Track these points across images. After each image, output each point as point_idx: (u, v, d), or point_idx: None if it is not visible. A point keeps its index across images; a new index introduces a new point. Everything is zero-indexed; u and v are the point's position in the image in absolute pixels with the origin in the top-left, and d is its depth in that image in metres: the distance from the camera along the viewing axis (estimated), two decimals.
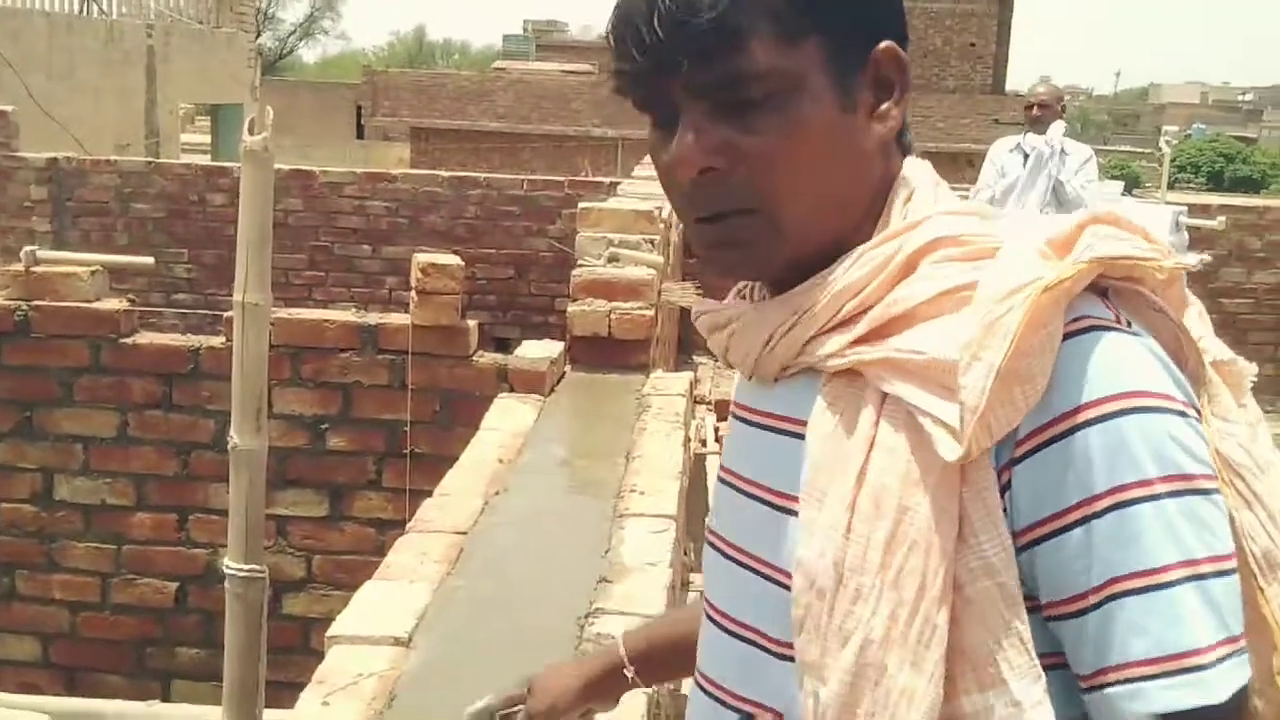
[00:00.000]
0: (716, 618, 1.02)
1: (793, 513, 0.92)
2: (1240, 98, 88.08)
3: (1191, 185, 44.97)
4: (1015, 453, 0.85)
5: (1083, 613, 0.83)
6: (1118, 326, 0.86)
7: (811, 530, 0.89)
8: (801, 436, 0.93)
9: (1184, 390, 0.87)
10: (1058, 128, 6.77)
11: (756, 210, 0.93)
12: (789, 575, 0.91)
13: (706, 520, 1.10)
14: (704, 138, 0.92)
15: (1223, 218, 9.22)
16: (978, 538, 0.84)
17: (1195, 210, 9.38)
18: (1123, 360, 0.85)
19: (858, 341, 0.90)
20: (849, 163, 0.95)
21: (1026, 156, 6.71)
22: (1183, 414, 0.84)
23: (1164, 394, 0.84)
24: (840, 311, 0.92)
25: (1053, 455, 0.83)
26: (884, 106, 0.96)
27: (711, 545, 1.05)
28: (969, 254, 0.90)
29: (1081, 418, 0.83)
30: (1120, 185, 11.17)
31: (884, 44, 0.95)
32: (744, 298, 1.05)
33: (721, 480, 1.06)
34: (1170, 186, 12.42)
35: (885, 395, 0.89)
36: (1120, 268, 0.88)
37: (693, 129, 0.92)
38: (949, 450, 0.84)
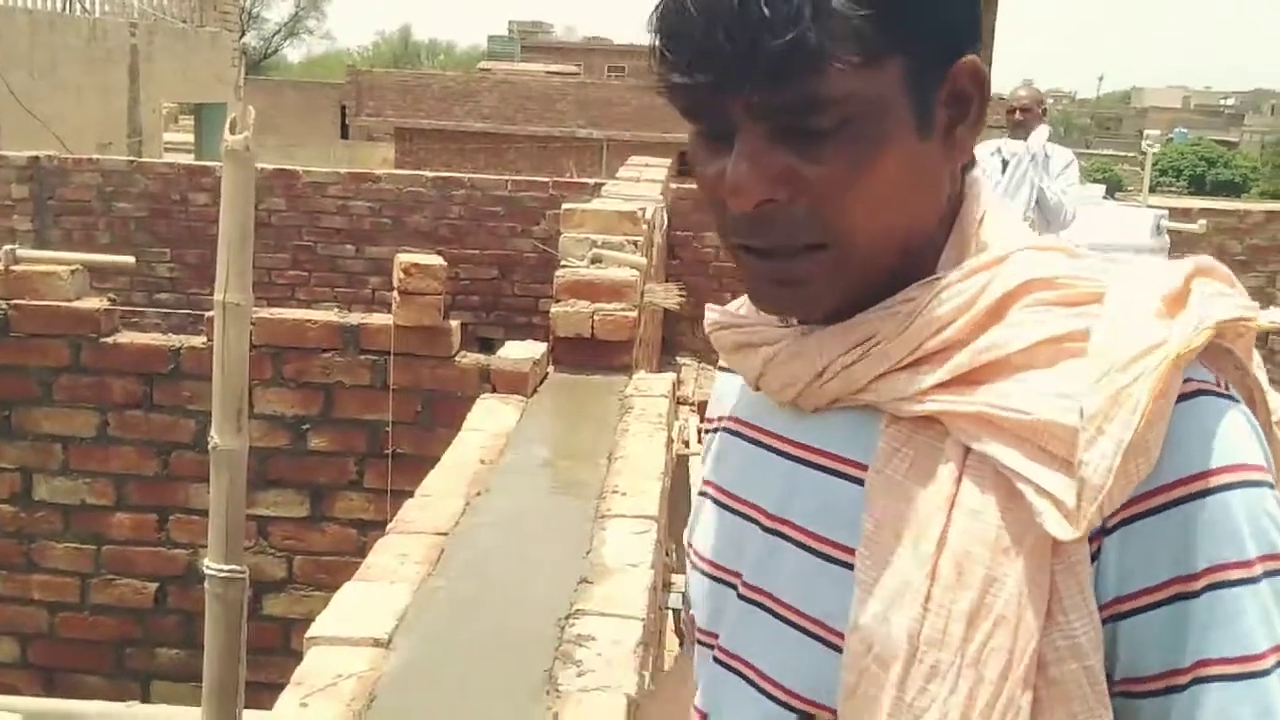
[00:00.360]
0: (727, 660, 0.94)
1: (839, 563, 0.85)
2: (1222, 102, 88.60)
3: (1173, 189, 45.23)
4: (1109, 522, 0.79)
5: (1167, 693, 0.79)
6: (1220, 391, 0.81)
7: (873, 592, 0.82)
8: (849, 478, 0.86)
9: (1269, 460, 0.82)
10: (1040, 133, 6.75)
11: (824, 246, 0.84)
12: (829, 630, 0.85)
13: (694, 543, 1.01)
14: (764, 165, 0.82)
15: (1203, 221, 9.30)
16: (1067, 616, 0.78)
17: (1176, 214, 9.46)
18: (1227, 430, 0.79)
19: (941, 387, 0.82)
20: (923, 191, 0.86)
21: (1006, 163, 6.71)
22: (1273, 487, 0.80)
23: (1261, 466, 0.80)
24: (918, 349, 0.84)
25: (1150, 527, 0.78)
26: (960, 128, 0.87)
27: (713, 578, 0.96)
28: (1065, 299, 0.83)
29: (1185, 490, 0.77)
30: (1102, 189, 11.23)
31: (966, 58, 0.86)
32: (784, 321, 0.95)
33: (723, 505, 0.97)
34: (1152, 190, 12.51)
35: (969, 450, 0.81)
36: (1230, 330, 0.82)
37: (751, 155, 0.82)
38: (1059, 528, 0.76)
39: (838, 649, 0.84)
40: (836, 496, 0.87)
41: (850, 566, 0.84)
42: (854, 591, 0.83)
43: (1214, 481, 0.78)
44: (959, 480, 0.81)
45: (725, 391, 1.05)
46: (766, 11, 0.77)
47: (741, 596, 0.93)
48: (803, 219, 0.83)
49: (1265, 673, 0.77)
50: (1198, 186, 47.86)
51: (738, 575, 0.94)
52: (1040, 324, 0.81)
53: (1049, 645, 0.78)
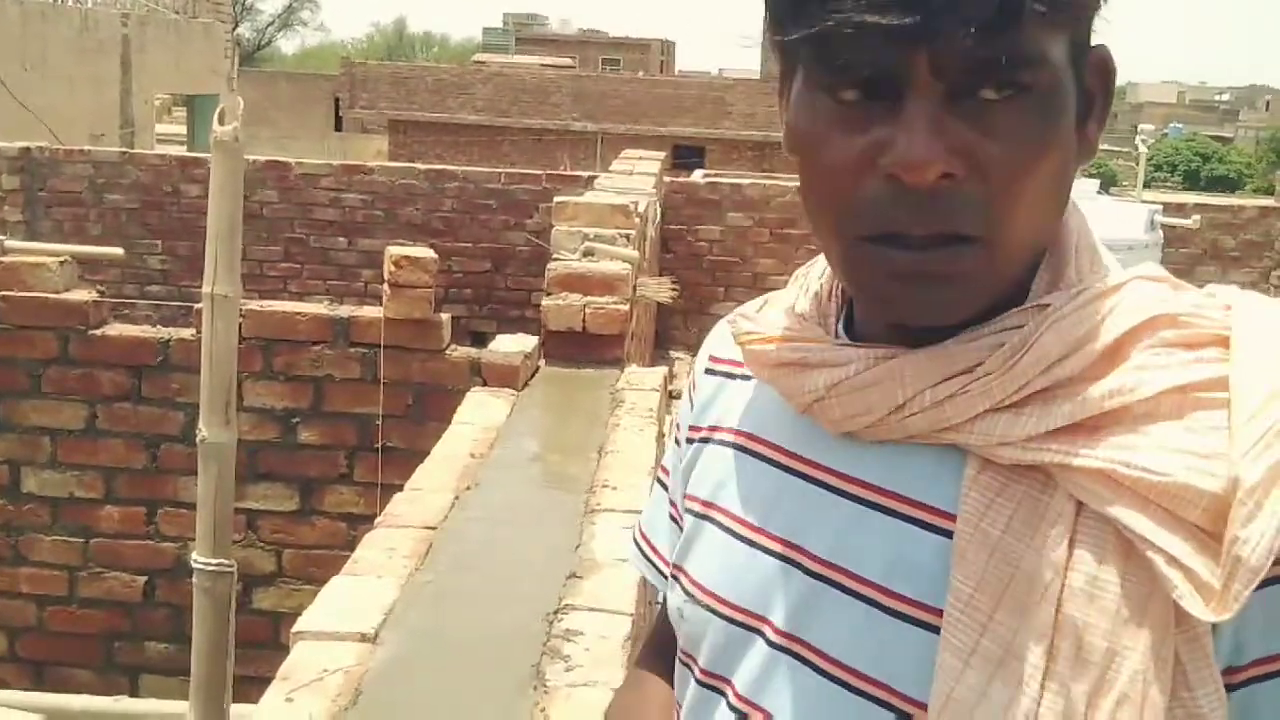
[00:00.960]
0: (745, 709, 0.84)
1: (914, 622, 0.76)
2: (1217, 97, 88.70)
3: (1168, 184, 45.29)
4: None
5: None
6: None
7: (969, 661, 0.72)
8: (928, 526, 0.77)
9: None
10: None
11: (979, 239, 0.73)
12: (893, 693, 0.76)
13: (691, 571, 0.89)
14: (948, 134, 0.71)
15: (1197, 216, 9.29)
16: (1192, 690, 0.70)
17: (1170, 209, 9.45)
18: None
19: (1053, 434, 0.73)
20: (1066, 190, 0.78)
21: None
22: None
23: None
24: (1025, 387, 0.74)
25: (1269, 596, 0.70)
26: (1090, 124, 0.78)
27: (727, 619, 0.85)
28: (1187, 339, 0.74)
29: None
30: (1095, 184, 11.23)
31: (1099, 48, 0.78)
32: (824, 326, 0.84)
33: (740, 537, 0.86)
34: (1147, 185, 12.52)
35: (1081, 505, 0.72)
36: None
37: (933, 121, 0.71)
38: (1198, 608, 0.68)
39: (899, 712, 0.76)
40: (911, 547, 0.77)
41: (928, 626, 0.75)
42: (940, 657, 0.73)
43: None
44: (1073, 541, 0.72)
45: (720, 400, 0.93)
46: None
47: (771, 644, 0.82)
48: (970, 203, 0.72)
49: None
50: (1193, 182, 47.94)
51: (764, 620, 0.83)
52: (1165, 368, 0.73)
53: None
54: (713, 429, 0.92)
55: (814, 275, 0.88)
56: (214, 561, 3.35)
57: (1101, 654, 0.70)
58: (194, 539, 3.55)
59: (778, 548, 0.83)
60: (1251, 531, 0.67)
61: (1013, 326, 0.76)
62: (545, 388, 4.14)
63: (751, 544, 0.85)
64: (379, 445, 4.32)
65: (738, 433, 0.89)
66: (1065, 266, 0.79)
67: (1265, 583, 0.69)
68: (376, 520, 2.93)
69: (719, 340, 0.96)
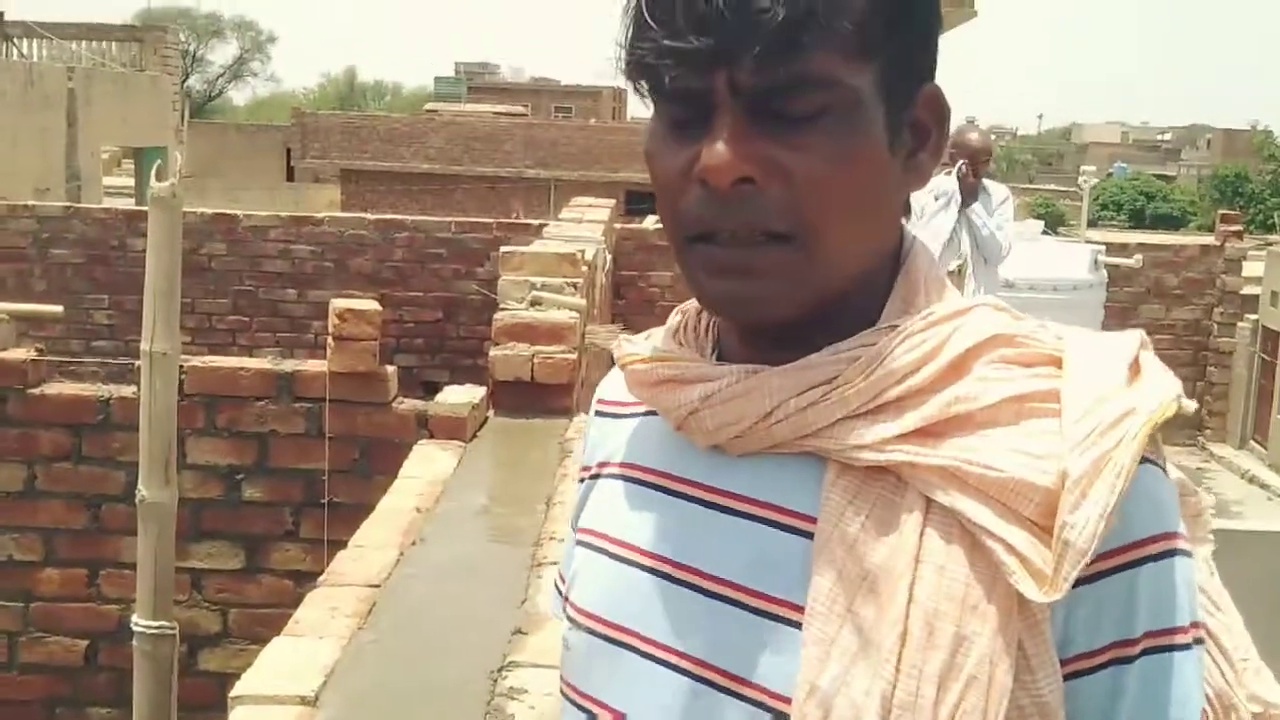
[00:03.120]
0: None
1: (780, 620, 0.80)
2: (1159, 137, 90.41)
3: (1114, 223, 46.01)
4: None
5: None
6: (1156, 461, 0.81)
7: (830, 653, 0.78)
8: (789, 529, 0.82)
9: None
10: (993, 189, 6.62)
11: (791, 238, 0.81)
12: (764, 691, 0.80)
13: (573, 598, 0.93)
14: (745, 144, 0.79)
15: (1139, 256, 9.44)
16: (1034, 674, 0.76)
17: (1113, 249, 9.60)
18: (1166, 499, 0.80)
19: (903, 437, 0.79)
20: (886, 207, 0.85)
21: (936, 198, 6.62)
22: (1192, 555, 0.82)
23: (1185, 535, 0.81)
24: (879, 396, 0.80)
25: (1098, 591, 0.77)
26: (920, 155, 0.86)
27: (603, 636, 0.88)
28: (1024, 358, 0.82)
29: (1131, 556, 0.77)
30: (1040, 224, 11.39)
31: (930, 86, 0.86)
32: (700, 354, 0.90)
33: (615, 557, 0.90)
34: (1092, 224, 12.72)
35: (930, 503, 0.78)
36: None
37: (733, 131, 0.79)
38: (1031, 590, 0.74)
39: (770, 710, 0.79)
40: (775, 549, 0.82)
41: (793, 624, 0.79)
42: (803, 650, 0.78)
43: (1158, 548, 0.78)
44: (922, 534, 0.78)
45: (606, 438, 0.97)
46: None
47: (643, 655, 0.86)
48: (776, 204, 0.80)
49: None
50: (1138, 220, 48.74)
51: (633, 633, 0.87)
52: (1004, 381, 0.80)
53: (1013, 705, 0.76)
54: (601, 465, 0.96)
55: (690, 308, 0.94)
56: (155, 624, 3.29)
57: (950, 638, 0.76)
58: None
59: (646, 560, 0.88)
60: (1078, 517, 0.74)
61: (868, 344, 0.82)
62: (493, 439, 4.11)
63: (623, 560, 0.89)
64: (325, 501, 4.27)
65: (620, 464, 0.94)
66: (915, 295, 0.86)
67: (1091, 578, 0.76)
68: (319, 579, 2.89)
69: (607, 384, 1.01)
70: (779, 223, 0.80)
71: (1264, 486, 10.31)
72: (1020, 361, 0.81)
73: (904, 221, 0.90)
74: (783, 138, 0.79)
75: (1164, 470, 0.81)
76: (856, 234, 0.83)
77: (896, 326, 0.83)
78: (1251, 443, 11.45)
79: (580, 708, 0.89)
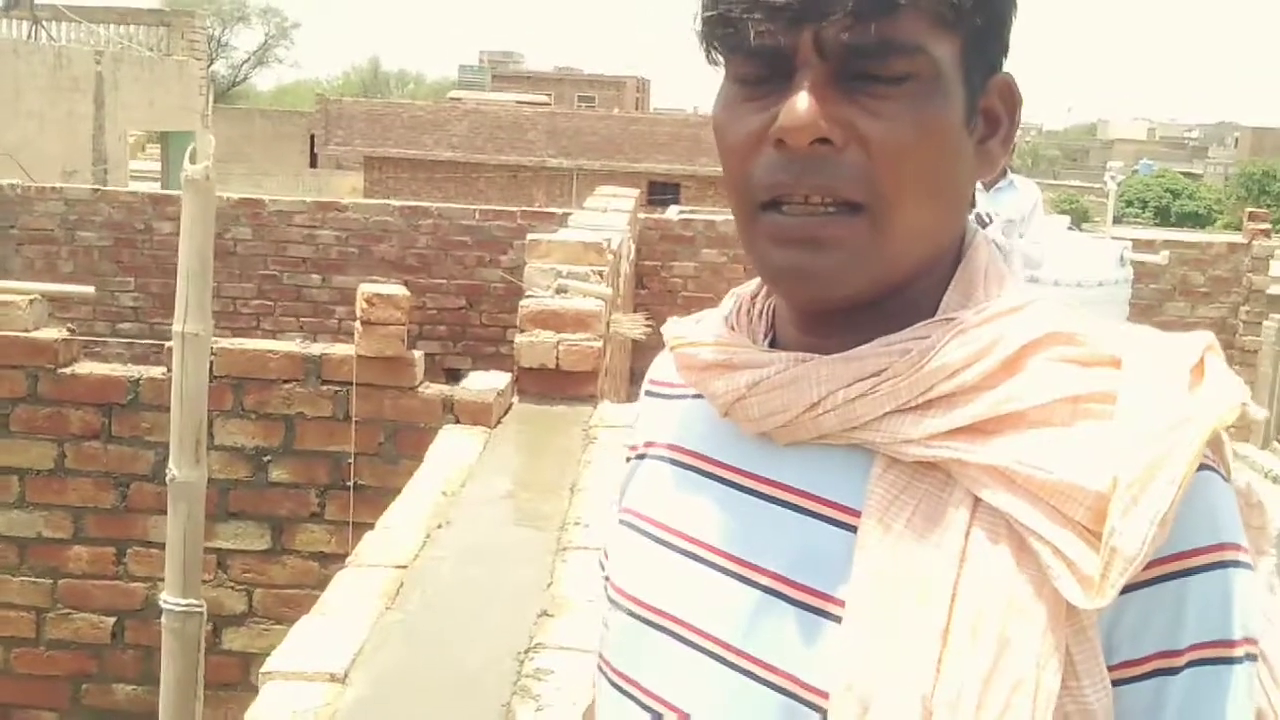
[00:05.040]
0: (652, 703, 0.86)
1: (820, 613, 0.79)
2: (1186, 134, 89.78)
3: (1139, 220, 45.75)
4: None
5: None
6: (1216, 468, 0.79)
7: (869, 649, 0.76)
8: (834, 522, 0.81)
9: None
10: (1019, 188, 6.41)
11: (864, 208, 0.79)
12: (799, 683, 0.79)
13: (614, 577, 0.93)
14: (826, 104, 0.77)
15: (1166, 253, 9.38)
16: (1079, 680, 0.75)
17: (1139, 245, 9.54)
18: (1227, 509, 0.78)
19: (952, 433, 0.78)
20: (959, 187, 0.83)
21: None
22: (1254, 570, 0.79)
23: (1247, 549, 0.79)
24: (929, 391, 0.79)
25: (1147, 597, 0.75)
26: (991, 142, 0.85)
27: (640, 618, 0.88)
28: (1082, 357, 0.79)
29: (1183, 564, 0.75)
30: (1066, 220, 11.33)
31: (1003, 74, 0.85)
32: (752, 340, 0.88)
33: (657, 540, 0.89)
34: (1117, 221, 12.64)
35: (978, 501, 0.77)
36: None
37: (812, 91, 0.77)
38: (1077, 595, 0.73)
39: (808, 704, 0.78)
40: (820, 541, 0.80)
41: (831, 617, 0.78)
42: (842, 645, 0.77)
43: (1211, 559, 0.76)
44: (969, 533, 0.76)
45: (654, 418, 0.97)
46: None
47: (682, 640, 0.85)
48: (852, 170, 0.78)
49: None
50: (1163, 218, 48.44)
51: (674, 618, 0.86)
52: (1059, 380, 0.78)
53: (1059, 712, 0.74)
54: (648, 445, 0.96)
55: (745, 292, 0.93)
56: (183, 602, 3.33)
57: (994, 640, 0.74)
58: (164, 579, 3.53)
59: (687, 545, 0.87)
60: (1128, 523, 0.72)
61: (921, 337, 0.80)
62: (518, 425, 4.13)
63: (664, 544, 0.88)
64: (350, 483, 4.30)
65: (667, 446, 0.93)
66: (974, 288, 0.84)
67: (1138, 585, 0.74)
68: (347, 559, 2.92)
69: (658, 365, 1.00)
70: (853, 190, 0.78)
71: None
72: (1077, 361, 0.79)
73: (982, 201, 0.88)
74: (863, 103, 0.78)
75: (1224, 479, 0.79)
76: (928, 212, 0.81)
77: (951, 320, 0.81)
78: (1275, 443, 11.38)
79: (616, 686, 0.89)
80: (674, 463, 0.92)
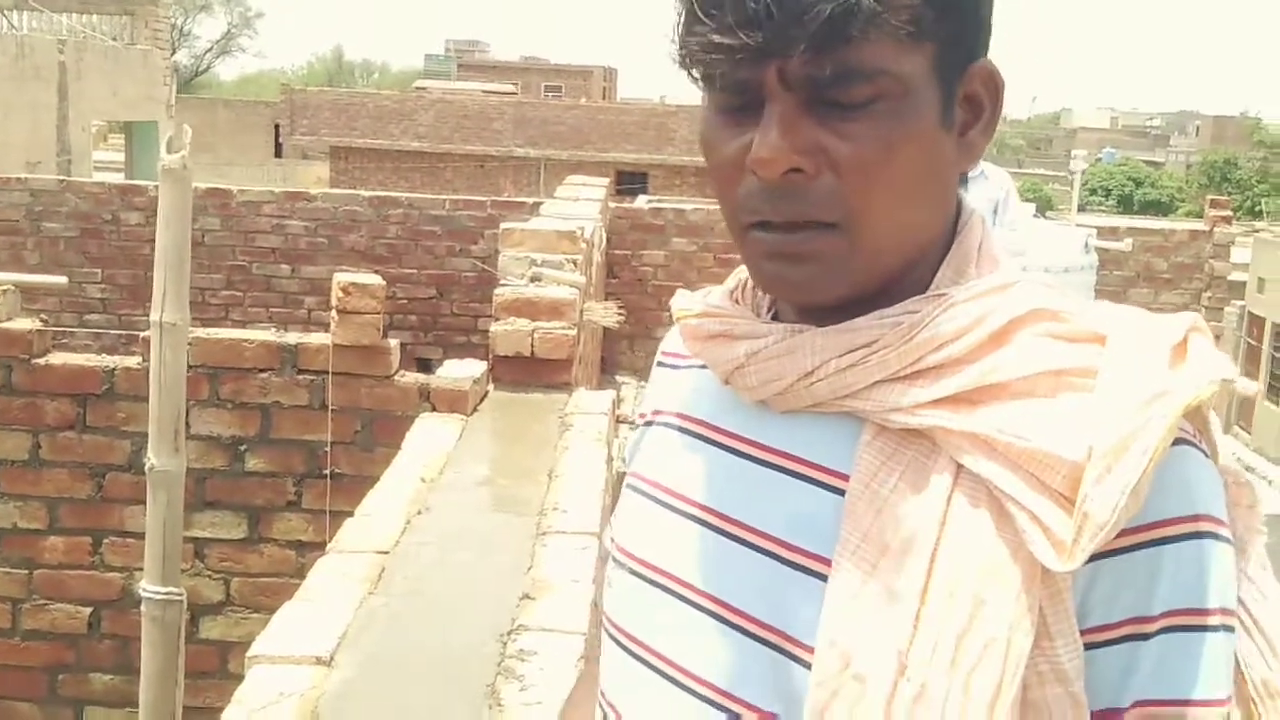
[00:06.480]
0: (653, 660, 0.90)
1: (811, 573, 0.83)
2: (1148, 123, 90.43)
3: (1102, 208, 46.15)
4: None
5: None
6: (1196, 443, 0.82)
7: (853, 606, 0.80)
8: (826, 486, 0.84)
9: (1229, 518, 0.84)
10: (992, 177, 6.41)
11: (837, 225, 0.82)
12: (791, 640, 0.83)
13: (618, 538, 0.97)
14: (795, 135, 0.81)
15: (1129, 240, 9.49)
16: (1053, 641, 0.78)
17: (1104, 232, 9.64)
18: (1204, 482, 0.81)
19: (938, 403, 0.81)
20: (938, 186, 0.87)
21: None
22: (1232, 544, 0.82)
23: (1225, 523, 0.82)
24: (918, 362, 0.82)
25: (1120, 564, 0.78)
26: (973, 131, 0.87)
27: (643, 576, 0.92)
28: (1068, 333, 0.83)
29: (1157, 534, 0.78)
30: (1032, 207, 11.42)
31: (982, 61, 0.87)
32: (755, 313, 0.93)
33: (659, 501, 0.94)
34: (1081, 209, 12.75)
35: (960, 468, 0.80)
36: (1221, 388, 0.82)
37: (782, 124, 0.81)
38: (1050, 558, 0.76)
39: (797, 660, 0.82)
40: (812, 505, 0.84)
41: (823, 577, 0.82)
42: (827, 602, 0.80)
43: (1185, 529, 0.79)
44: (950, 498, 0.80)
45: (663, 387, 1.01)
46: None
47: (680, 598, 0.89)
48: (824, 194, 0.82)
49: None
50: (1126, 206, 48.89)
51: (674, 577, 0.90)
52: (1044, 354, 0.81)
53: (1032, 669, 0.77)
54: (656, 413, 1.00)
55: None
56: (163, 590, 3.34)
57: (970, 600, 0.78)
58: (140, 569, 3.53)
59: (689, 508, 0.91)
60: (1100, 491, 0.76)
61: (912, 310, 0.84)
62: (494, 412, 4.16)
63: (667, 506, 0.93)
64: (328, 472, 4.32)
65: (674, 414, 0.97)
66: (966, 266, 0.88)
67: (1112, 552, 0.78)
68: (328, 546, 2.94)
69: (670, 338, 1.05)
70: (826, 212, 0.82)
71: (1249, 469, 10.43)
72: (1063, 336, 0.83)
73: (960, 190, 0.91)
74: (833, 125, 0.81)
75: (1203, 453, 0.82)
76: (903, 220, 0.85)
77: (942, 295, 0.85)
78: (1236, 428, 11.55)
79: (618, 642, 0.94)
80: (680, 430, 0.96)
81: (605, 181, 10.05)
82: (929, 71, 0.82)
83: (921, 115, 0.82)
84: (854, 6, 0.77)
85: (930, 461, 0.81)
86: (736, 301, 0.94)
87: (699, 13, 0.81)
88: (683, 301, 0.97)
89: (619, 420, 4.43)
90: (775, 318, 0.92)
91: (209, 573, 4.42)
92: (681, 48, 0.83)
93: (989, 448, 0.79)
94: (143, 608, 3.35)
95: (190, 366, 3.81)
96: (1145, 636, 0.78)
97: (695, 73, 0.84)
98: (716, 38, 0.80)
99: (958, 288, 0.86)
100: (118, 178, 14.47)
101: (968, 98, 0.86)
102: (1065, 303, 0.85)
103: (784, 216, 0.83)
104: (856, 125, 0.81)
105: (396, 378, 4.35)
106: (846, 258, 0.83)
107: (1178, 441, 0.79)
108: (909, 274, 0.87)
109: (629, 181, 23.56)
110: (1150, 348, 0.81)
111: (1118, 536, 0.77)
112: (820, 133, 0.81)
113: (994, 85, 0.88)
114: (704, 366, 0.95)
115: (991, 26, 0.88)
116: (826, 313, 0.86)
